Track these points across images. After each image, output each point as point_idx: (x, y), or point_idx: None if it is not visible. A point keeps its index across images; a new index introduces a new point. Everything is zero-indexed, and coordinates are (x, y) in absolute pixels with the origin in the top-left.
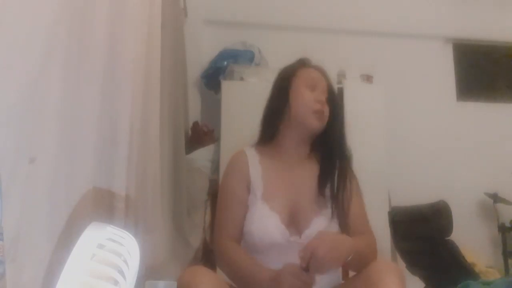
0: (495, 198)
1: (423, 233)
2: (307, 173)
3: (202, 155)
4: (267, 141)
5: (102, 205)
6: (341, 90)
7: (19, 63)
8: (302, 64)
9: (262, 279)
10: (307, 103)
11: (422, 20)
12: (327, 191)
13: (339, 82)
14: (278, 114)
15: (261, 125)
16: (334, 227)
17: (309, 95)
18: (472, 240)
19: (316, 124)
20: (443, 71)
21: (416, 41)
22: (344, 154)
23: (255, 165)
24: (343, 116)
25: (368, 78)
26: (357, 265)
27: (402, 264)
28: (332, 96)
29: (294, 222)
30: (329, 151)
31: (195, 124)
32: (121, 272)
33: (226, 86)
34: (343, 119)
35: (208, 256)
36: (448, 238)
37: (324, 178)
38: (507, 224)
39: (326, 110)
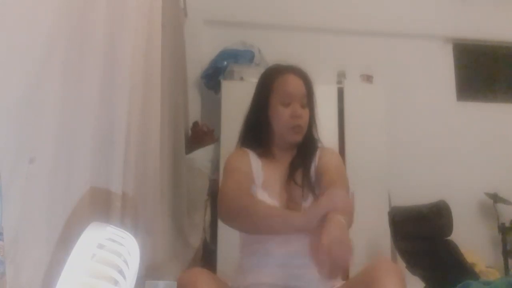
0: (495, 198)
1: (423, 233)
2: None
3: (202, 155)
4: (255, 146)
5: (100, 205)
6: (341, 90)
7: (19, 63)
8: (277, 73)
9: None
10: (284, 122)
11: (422, 20)
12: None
13: (339, 82)
14: (259, 127)
15: (243, 133)
16: None
17: (284, 113)
18: (472, 240)
19: (295, 138)
20: (443, 71)
21: (416, 41)
22: (313, 142)
23: (255, 159)
24: (314, 110)
25: (368, 78)
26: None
27: (402, 264)
28: (310, 96)
29: (289, 209)
30: (303, 143)
31: (195, 124)
32: (121, 272)
33: (226, 86)
34: (314, 112)
35: (208, 256)
36: (448, 238)
37: (294, 166)
38: (507, 224)
39: (305, 117)
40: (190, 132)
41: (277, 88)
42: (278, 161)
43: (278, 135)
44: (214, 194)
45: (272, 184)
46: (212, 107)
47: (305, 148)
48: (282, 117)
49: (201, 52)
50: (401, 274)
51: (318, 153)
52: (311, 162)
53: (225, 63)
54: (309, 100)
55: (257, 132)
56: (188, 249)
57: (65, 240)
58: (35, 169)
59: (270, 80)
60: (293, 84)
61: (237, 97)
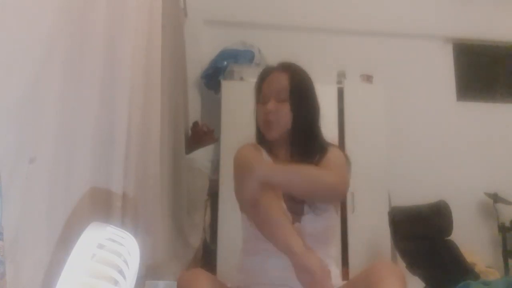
0: (495, 198)
1: (423, 233)
2: None
3: (202, 155)
4: (263, 145)
5: (100, 205)
6: (341, 90)
7: (19, 63)
8: (263, 75)
9: (293, 252)
10: (258, 119)
11: (422, 20)
12: None
13: (339, 82)
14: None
15: (256, 132)
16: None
17: (260, 111)
18: (472, 240)
19: (269, 134)
20: (443, 71)
21: (416, 41)
22: (313, 148)
23: (266, 155)
24: (309, 107)
25: (368, 78)
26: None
27: (402, 264)
28: (296, 90)
29: (292, 210)
30: (297, 146)
31: (195, 124)
32: (121, 272)
33: (226, 86)
34: (310, 110)
35: (208, 256)
36: (448, 238)
37: None
38: (507, 224)
39: (279, 111)
40: (190, 132)
41: (262, 89)
42: (283, 161)
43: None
44: (214, 194)
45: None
46: (212, 107)
47: (303, 153)
48: (258, 115)
49: (201, 52)
50: (402, 275)
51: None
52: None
53: (225, 63)
54: (294, 94)
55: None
56: (188, 249)
57: (65, 240)
58: (35, 169)
59: (258, 84)
60: (270, 81)
61: (237, 97)
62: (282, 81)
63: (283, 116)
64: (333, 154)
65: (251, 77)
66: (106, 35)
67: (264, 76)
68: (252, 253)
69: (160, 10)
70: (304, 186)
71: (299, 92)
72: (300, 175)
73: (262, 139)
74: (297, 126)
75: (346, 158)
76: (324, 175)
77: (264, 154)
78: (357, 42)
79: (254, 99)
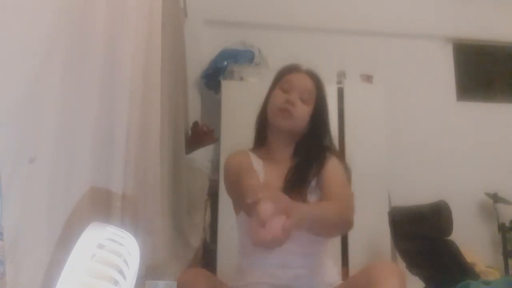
0: (495, 198)
1: (423, 233)
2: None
3: (202, 155)
4: (260, 146)
5: (100, 205)
6: (341, 90)
7: (19, 63)
8: (289, 71)
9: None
10: (275, 103)
11: (422, 20)
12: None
13: (339, 82)
14: (264, 121)
15: (254, 131)
16: None
17: (279, 96)
18: (472, 240)
19: (281, 122)
20: (443, 71)
21: (416, 41)
22: (320, 154)
23: (256, 159)
24: (326, 119)
25: (368, 78)
26: (318, 230)
27: (402, 264)
28: (317, 98)
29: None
30: (305, 152)
31: (195, 124)
32: (121, 272)
33: (226, 86)
34: (326, 122)
35: (208, 256)
36: (448, 238)
37: (291, 184)
38: (507, 224)
39: (299, 108)
40: (190, 132)
41: (284, 79)
42: (280, 162)
43: (270, 122)
44: (214, 194)
45: (271, 185)
46: (212, 107)
47: (307, 158)
48: (275, 99)
49: (201, 52)
50: (402, 275)
51: (323, 172)
52: (309, 180)
53: (225, 63)
54: (316, 101)
55: (261, 129)
56: (188, 249)
57: (65, 240)
58: (35, 169)
59: (283, 73)
60: (298, 77)
61: (237, 97)
62: (309, 85)
63: (302, 114)
64: (332, 168)
65: (251, 77)
66: (106, 35)
67: (293, 70)
68: (249, 253)
69: (160, 10)
70: (321, 227)
71: (322, 101)
72: (319, 217)
73: (261, 136)
74: (312, 129)
75: (346, 167)
76: (335, 213)
77: (254, 158)
78: (357, 42)
79: (269, 89)
